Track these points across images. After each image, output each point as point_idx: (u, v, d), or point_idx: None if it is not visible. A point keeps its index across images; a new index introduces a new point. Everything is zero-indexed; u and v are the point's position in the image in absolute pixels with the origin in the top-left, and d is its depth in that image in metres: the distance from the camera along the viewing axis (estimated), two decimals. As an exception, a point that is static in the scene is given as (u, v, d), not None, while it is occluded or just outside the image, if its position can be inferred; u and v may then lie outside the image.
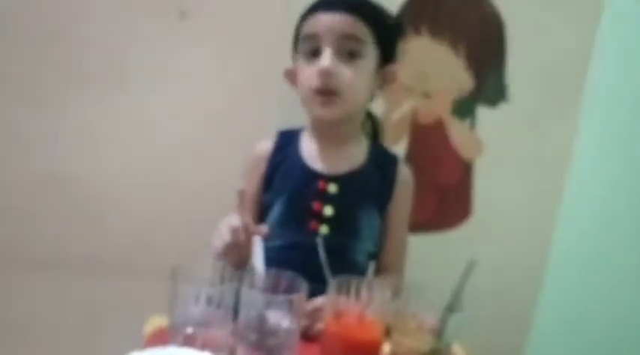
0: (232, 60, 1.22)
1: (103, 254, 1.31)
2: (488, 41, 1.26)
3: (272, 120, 1.20)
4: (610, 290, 1.21)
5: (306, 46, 0.95)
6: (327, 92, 0.93)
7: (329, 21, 0.93)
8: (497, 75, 1.27)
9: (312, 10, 0.96)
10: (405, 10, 1.21)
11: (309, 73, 0.94)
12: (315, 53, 0.94)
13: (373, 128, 1.14)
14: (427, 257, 1.15)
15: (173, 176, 1.28)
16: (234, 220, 0.83)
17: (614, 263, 1.21)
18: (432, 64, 1.26)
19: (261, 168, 1.02)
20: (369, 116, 1.13)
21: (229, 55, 1.22)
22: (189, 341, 0.67)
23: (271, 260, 0.92)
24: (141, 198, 1.29)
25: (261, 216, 1.02)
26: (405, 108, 1.28)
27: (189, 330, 0.68)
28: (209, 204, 1.27)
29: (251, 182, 1.02)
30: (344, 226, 0.97)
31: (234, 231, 0.82)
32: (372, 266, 0.83)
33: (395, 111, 1.28)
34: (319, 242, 0.81)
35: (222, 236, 0.84)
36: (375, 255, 1.04)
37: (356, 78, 0.94)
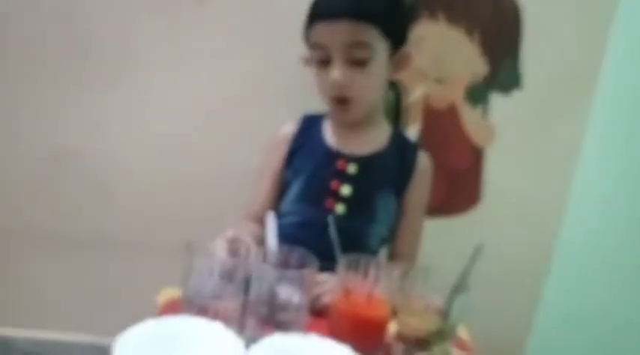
0: (243, 49, 1.24)
1: (113, 230, 1.34)
2: (504, 28, 1.25)
3: (283, 108, 1.21)
4: (616, 279, 1.22)
5: (316, 54, 0.95)
6: (341, 100, 0.95)
7: (334, 32, 0.91)
8: (512, 62, 1.27)
9: (316, 18, 0.94)
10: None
11: (323, 82, 0.96)
12: (326, 61, 0.94)
13: (396, 101, 1.15)
14: (436, 241, 1.16)
15: (184, 160, 1.30)
16: (228, 234, 0.80)
17: (621, 253, 1.21)
18: (447, 50, 1.26)
19: (283, 149, 1.03)
20: (393, 86, 1.13)
21: (240, 44, 1.23)
22: (201, 312, 0.69)
23: (286, 236, 0.94)
24: (152, 177, 1.32)
25: (280, 193, 1.05)
26: (418, 93, 1.29)
27: (202, 301, 0.70)
28: (217, 186, 1.30)
29: (272, 162, 1.04)
30: (360, 207, 0.99)
31: (232, 241, 0.79)
32: (383, 251, 0.85)
33: (408, 96, 1.29)
34: (330, 221, 0.83)
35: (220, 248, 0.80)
36: (387, 240, 1.06)
37: (368, 81, 0.95)
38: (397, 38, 0.97)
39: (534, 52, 1.26)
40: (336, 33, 0.91)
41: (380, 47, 0.94)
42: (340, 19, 0.90)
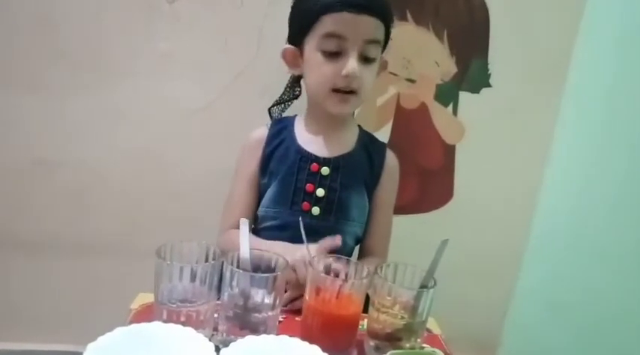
0: (219, 49, 1.24)
1: (91, 236, 1.34)
2: (473, 28, 1.27)
3: (259, 109, 1.22)
4: (587, 270, 1.24)
5: (329, 44, 0.93)
6: (347, 92, 0.95)
7: (358, 25, 0.91)
8: (481, 62, 1.29)
9: (340, 6, 0.91)
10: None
11: (330, 72, 0.94)
12: (337, 53, 0.93)
13: None
14: (409, 237, 1.18)
15: (161, 163, 1.30)
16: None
17: (591, 245, 1.23)
18: (416, 50, 1.28)
19: (258, 154, 1.03)
20: None
21: (216, 49, 1.24)
22: (172, 316, 0.70)
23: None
24: (129, 183, 1.31)
25: (258, 199, 1.05)
26: (389, 93, 1.30)
27: (173, 306, 0.70)
28: (195, 190, 1.30)
29: (247, 167, 1.04)
30: (335, 207, 1.00)
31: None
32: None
33: (380, 97, 1.30)
34: (300, 223, 0.84)
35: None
36: (361, 239, 1.08)
37: (370, 78, 0.97)
38: (387, 42, 1.00)
39: (503, 50, 1.28)
40: (360, 26, 0.91)
41: (380, 47, 0.97)
42: (367, 13, 0.91)
